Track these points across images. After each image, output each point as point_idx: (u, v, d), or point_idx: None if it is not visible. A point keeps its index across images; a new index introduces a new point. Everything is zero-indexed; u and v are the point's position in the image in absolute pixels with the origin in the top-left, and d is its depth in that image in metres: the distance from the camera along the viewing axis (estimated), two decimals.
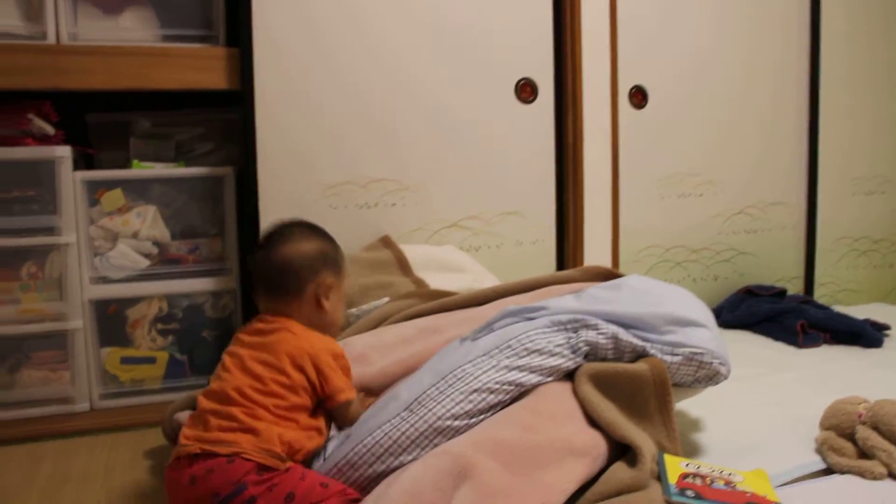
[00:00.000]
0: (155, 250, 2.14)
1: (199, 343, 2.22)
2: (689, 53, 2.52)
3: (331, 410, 1.36)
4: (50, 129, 2.06)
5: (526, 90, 2.33)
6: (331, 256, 1.45)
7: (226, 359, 1.35)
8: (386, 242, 2.14)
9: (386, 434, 1.24)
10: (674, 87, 2.52)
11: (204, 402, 1.29)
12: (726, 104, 2.59)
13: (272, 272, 1.40)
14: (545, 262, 2.39)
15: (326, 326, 1.44)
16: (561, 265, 2.42)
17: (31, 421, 2.00)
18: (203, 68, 2.06)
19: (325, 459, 1.29)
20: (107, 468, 1.79)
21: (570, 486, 1.21)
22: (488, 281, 2.04)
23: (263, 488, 1.19)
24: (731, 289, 2.66)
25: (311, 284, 1.41)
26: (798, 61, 2.66)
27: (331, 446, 1.32)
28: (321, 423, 1.34)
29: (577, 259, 2.39)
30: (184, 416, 1.68)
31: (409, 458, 1.23)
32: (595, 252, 2.42)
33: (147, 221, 2.11)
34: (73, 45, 1.99)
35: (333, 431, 1.36)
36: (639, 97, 2.47)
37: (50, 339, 2.07)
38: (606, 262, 2.42)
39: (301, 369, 1.32)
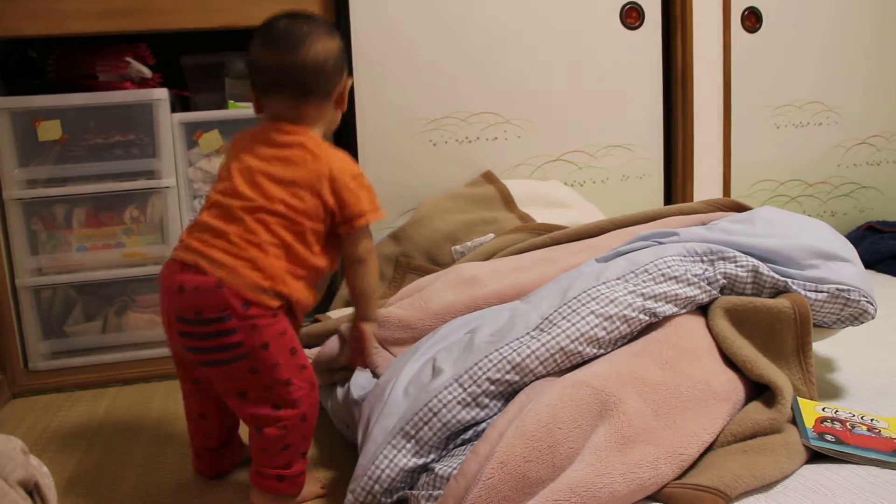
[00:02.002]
0: None
1: None
2: None
3: (344, 238, 1.30)
4: (147, 72, 2.05)
5: (632, 15, 2.20)
6: (344, 54, 1.36)
7: (233, 169, 1.27)
8: (488, 178, 2.07)
9: (514, 351, 1.18)
10: (790, 8, 2.34)
11: (208, 217, 1.24)
12: (847, 25, 2.39)
13: (304, 74, 1.28)
14: (653, 198, 2.29)
15: (333, 126, 1.38)
16: (669, 200, 2.31)
17: (139, 363, 2.03)
18: (297, 2, 2.00)
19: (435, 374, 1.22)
20: None
21: (709, 438, 1.13)
22: (594, 216, 1.95)
23: (246, 324, 1.19)
24: (851, 225, 2.51)
25: (339, 85, 1.34)
26: None
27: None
28: (325, 262, 1.28)
29: (687, 194, 2.28)
30: None
31: (534, 378, 1.17)
32: (705, 186, 2.30)
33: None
34: None
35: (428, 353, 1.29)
36: (752, 19, 2.31)
37: (153, 283, 2.08)
38: (717, 197, 2.30)
39: (318, 195, 1.25)
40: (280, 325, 1.22)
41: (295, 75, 1.28)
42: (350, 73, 1.40)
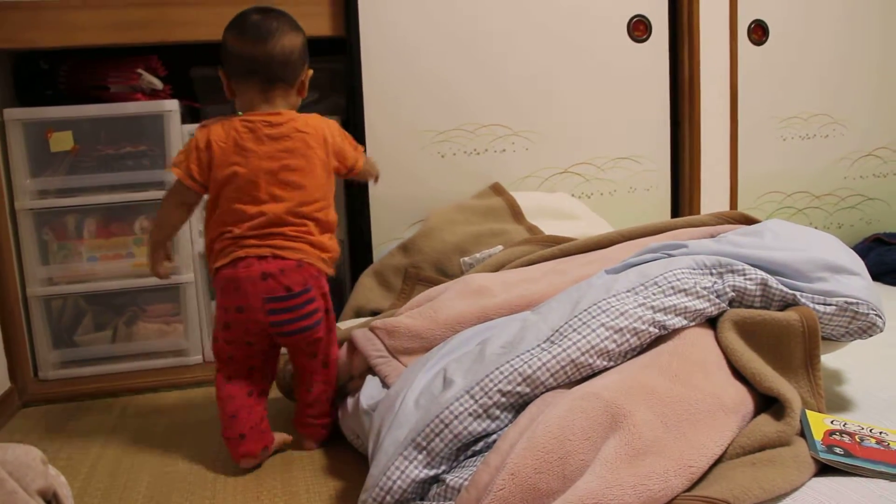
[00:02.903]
0: None
1: None
2: None
3: (355, 177, 1.65)
4: (158, 84, 2.06)
5: (639, 28, 2.21)
6: (307, 48, 1.56)
7: (260, 178, 1.46)
8: (497, 189, 2.08)
9: (525, 363, 1.18)
10: (797, 21, 2.35)
11: (255, 224, 1.45)
12: (853, 38, 2.40)
13: (275, 65, 1.48)
14: (660, 210, 2.29)
15: (294, 109, 1.56)
16: (676, 212, 2.32)
17: (149, 372, 2.04)
18: (307, 15, 2.01)
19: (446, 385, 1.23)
20: None
21: (718, 451, 1.13)
22: (602, 229, 1.96)
23: (320, 292, 1.51)
24: (857, 237, 2.51)
25: (302, 74, 1.54)
26: None
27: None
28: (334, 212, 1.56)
29: (694, 206, 2.28)
30: None
31: (544, 390, 1.17)
32: (712, 198, 2.30)
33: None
34: None
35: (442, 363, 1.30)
36: (759, 32, 2.32)
37: (163, 293, 2.10)
38: (724, 209, 2.30)
39: (326, 166, 1.52)
40: (325, 281, 1.53)
41: (265, 65, 1.47)
42: (309, 66, 1.58)
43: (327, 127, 1.53)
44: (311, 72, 1.56)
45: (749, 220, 1.58)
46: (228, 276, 1.46)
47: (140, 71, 2.04)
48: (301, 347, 1.52)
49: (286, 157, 1.47)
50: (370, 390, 1.42)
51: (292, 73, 1.50)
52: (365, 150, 2.05)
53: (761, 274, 1.30)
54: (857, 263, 1.40)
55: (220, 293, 1.49)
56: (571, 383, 1.19)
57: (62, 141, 2.02)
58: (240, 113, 1.52)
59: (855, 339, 1.38)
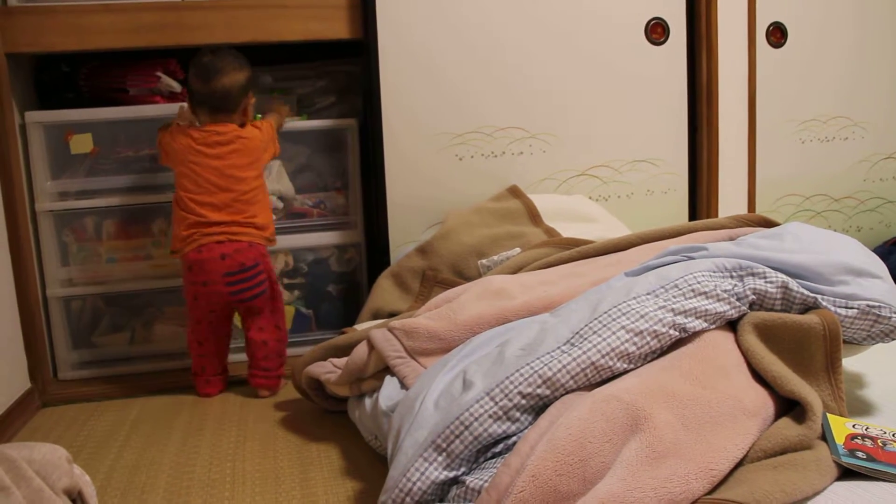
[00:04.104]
0: (280, 205, 2.14)
1: (325, 297, 2.22)
2: None
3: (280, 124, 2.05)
4: (177, 87, 2.08)
5: (657, 30, 2.21)
6: (251, 79, 1.92)
7: (210, 173, 1.86)
8: (514, 192, 2.07)
9: (545, 365, 1.17)
10: (816, 23, 2.33)
11: (209, 212, 1.85)
12: (873, 39, 2.39)
13: (216, 99, 1.86)
14: (677, 213, 2.28)
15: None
16: (693, 215, 2.31)
17: (166, 373, 2.05)
18: (325, 17, 2.03)
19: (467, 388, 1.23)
20: (240, 419, 1.81)
21: (739, 454, 1.12)
22: (620, 231, 1.95)
23: (266, 263, 1.92)
24: (877, 240, 2.48)
25: (243, 103, 1.91)
26: None
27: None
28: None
29: (711, 209, 2.27)
30: (314, 369, 1.68)
31: (564, 392, 1.17)
32: (730, 201, 2.29)
33: (272, 176, 2.10)
34: (197, 1, 1.99)
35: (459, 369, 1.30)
36: (777, 35, 2.31)
37: (181, 294, 2.11)
38: (742, 212, 2.29)
39: (259, 159, 1.92)
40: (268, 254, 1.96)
41: (209, 97, 1.86)
42: (252, 90, 1.94)
43: (257, 132, 1.92)
44: (253, 99, 1.94)
45: (769, 223, 1.58)
46: (195, 259, 1.86)
47: (159, 74, 2.06)
48: (253, 310, 1.91)
49: (233, 157, 1.87)
50: (389, 391, 1.42)
51: (233, 104, 1.88)
52: (383, 154, 2.07)
53: (782, 277, 1.29)
54: (880, 266, 1.39)
55: (188, 272, 1.88)
56: (591, 386, 1.18)
57: (82, 143, 2.04)
58: (197, 124, 1.91)
59: (877, 343, 1.36)
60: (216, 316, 1.92)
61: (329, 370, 1.66)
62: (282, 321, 1.97)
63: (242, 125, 1.91)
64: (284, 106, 2.11)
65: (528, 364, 1.18)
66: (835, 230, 2.42)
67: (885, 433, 1.28)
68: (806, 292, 1.30)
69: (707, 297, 1.26)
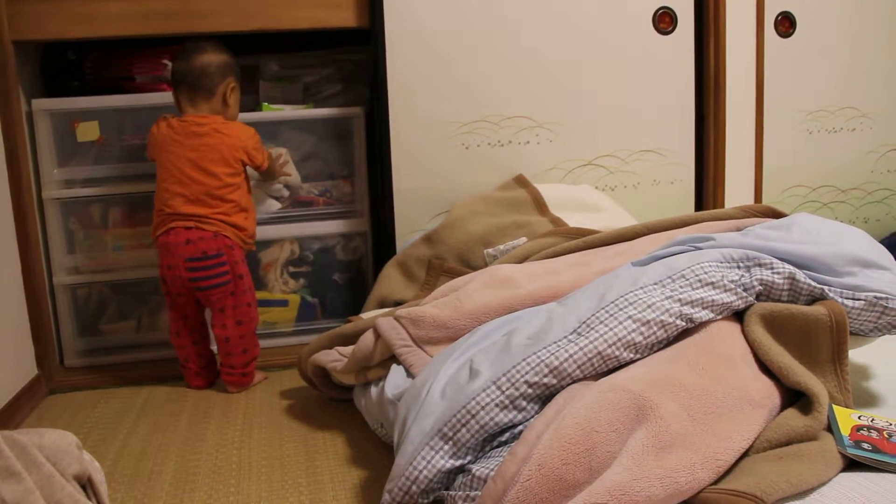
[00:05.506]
0: (286, 193, 2.14)
1: (331, 286, 2.23)
2: None
3: (262, 174, 2.02)
4: None
5: (665, 20, 2.19)
6: (233, 66, 1.92)
7: (184, 164, 1.85)
8: (521, 181, 2.07)
9: (552, 354, 1.18)
10: (824, 12, 2.32)
11: (181, 203, 1.85)
12: (881, 30, 2.37)
13: (193, 75, 1.86)
14: (684, 203, 2.28)
15: (230, 118, 1.92)
16: (700, 205, 2.30)
17: (172, 361, 2.06)
18: (332, 6, 2.02)
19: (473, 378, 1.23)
20: (246, 407, 1.82)
21: (745, 444, 1.13)
22: (626, 221, 1.95)
23: (230, 258, 1.88)
24: (884, 232, 2.48)
25: (221, 86, 1.88)
26: None
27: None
28: (250, 198, 1.96)
29: (718, 199, 2.26)
30: (320, 358, 1.69)
31: (571, 381, 1.17)
32: (736, 192, 2.28)
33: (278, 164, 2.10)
34: None
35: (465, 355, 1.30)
36: (786, 24, 2.29)
37: None
38: (748, 203, 2.28)
39: (239, 161, 1.89)
40: (240, 252, 1.91)
41: (189, 74, 1.87)
42: (238, 79, 1.92)
43: (244, 134, 1.90)
44: (234, 86, 1.91)
45: (776, 214, 1.57)
46: (163, 242, 1.87)
47: (165, 61, 2.06)
48: (212, 301, 1.89)
49: (206, 150, 1.85)
50: (395, 380, 1.43)
51: (210, 82, 1.87)
52: (389, 142, 2.07)
53: (789, 268, 1.29)
54: (888, 258, 1.38)
55: (159, 256, 1.90)
56: (598, 375, 1.19)
57: (88, 131, 2.04)
58: (179, 115, 1.91)
59: (884, 335, 1.36)
60: (183, 303, 1.92)
61: (335, 359, 1.66)
62: (246, 317, 1.91)
63: (231, 119, 1.91)
64: (284, 163, 2.11)
65: (534, 353, 1.18)
66: (842, 221, 2.42)
67: (890, 425, 1.28)
68: (813, 283, 1.30)
69: (714, 288, 1.26)
